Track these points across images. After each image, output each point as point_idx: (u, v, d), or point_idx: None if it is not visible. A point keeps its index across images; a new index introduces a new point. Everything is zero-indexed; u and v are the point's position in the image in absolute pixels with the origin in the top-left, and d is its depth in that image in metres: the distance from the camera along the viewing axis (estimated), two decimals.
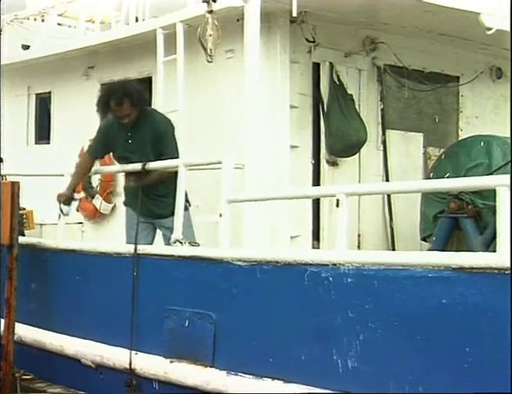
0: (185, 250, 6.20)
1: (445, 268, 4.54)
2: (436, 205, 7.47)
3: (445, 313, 4.55)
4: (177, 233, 6.34)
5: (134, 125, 7.00)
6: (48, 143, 9.94)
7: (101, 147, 7.27)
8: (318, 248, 7.63)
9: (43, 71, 9.82)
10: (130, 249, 6.53)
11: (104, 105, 7.04)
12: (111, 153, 7.46)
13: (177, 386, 6.02)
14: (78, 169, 7.33)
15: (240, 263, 5.63)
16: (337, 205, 5.19)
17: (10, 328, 7.00)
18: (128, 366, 6.40)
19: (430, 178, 7.62)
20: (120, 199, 8.82)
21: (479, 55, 8.80)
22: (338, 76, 7.81)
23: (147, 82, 8.42)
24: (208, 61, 6.46)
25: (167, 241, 6.69)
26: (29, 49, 10.28)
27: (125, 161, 7.14)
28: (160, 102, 7.56)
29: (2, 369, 6.98)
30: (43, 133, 10.07)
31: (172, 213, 6.47)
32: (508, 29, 6.58)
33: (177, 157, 6.85)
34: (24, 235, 8.58)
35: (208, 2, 6.30)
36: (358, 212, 7.85)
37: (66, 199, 7.22)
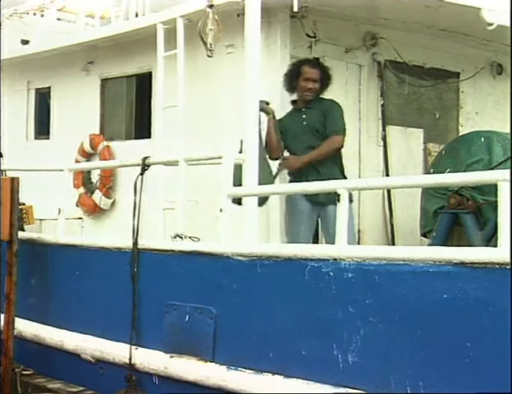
0: (186, 245, 6.20)
1: (446, 262, 4.54)
2: (437, 201, 7.45)
3: (446, 308, 4.54)
4: (178, 227, 6.34)
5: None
6: (48, 138, 9.92)
7: None
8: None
9: (42, 66, 9.80)
10: (129, 243, 6.52)
11: (294, 73, 7.08)
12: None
13: (177, 381, 6.01)
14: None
15: (240, 257, 5.63)
16: (338, 200, 5.19)
17: (10, 324, 7.01)
18: (128, 361, 6.40)
19: (430, 174, 7.60)
20: (119, 194, 8.84)
21: (480, 51, 8.78)
22: None
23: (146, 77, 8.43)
24: (209, 56, 6.45)
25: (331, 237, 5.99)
26: (29, 44, 10.25)
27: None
28: (160, 97, 7.55)
29: (1, 365, 6.97)
30: (42, 128, 10.05)
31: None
32: (508, 24, 6.57)
33: (342, 127, 7.01)
34: (24, 230, 8.57)
35: None
36: (358, 207, 7.84)
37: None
